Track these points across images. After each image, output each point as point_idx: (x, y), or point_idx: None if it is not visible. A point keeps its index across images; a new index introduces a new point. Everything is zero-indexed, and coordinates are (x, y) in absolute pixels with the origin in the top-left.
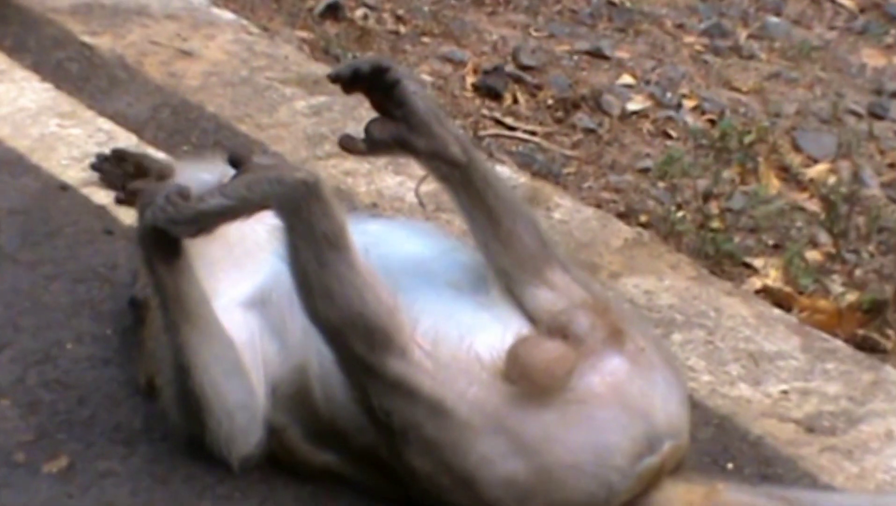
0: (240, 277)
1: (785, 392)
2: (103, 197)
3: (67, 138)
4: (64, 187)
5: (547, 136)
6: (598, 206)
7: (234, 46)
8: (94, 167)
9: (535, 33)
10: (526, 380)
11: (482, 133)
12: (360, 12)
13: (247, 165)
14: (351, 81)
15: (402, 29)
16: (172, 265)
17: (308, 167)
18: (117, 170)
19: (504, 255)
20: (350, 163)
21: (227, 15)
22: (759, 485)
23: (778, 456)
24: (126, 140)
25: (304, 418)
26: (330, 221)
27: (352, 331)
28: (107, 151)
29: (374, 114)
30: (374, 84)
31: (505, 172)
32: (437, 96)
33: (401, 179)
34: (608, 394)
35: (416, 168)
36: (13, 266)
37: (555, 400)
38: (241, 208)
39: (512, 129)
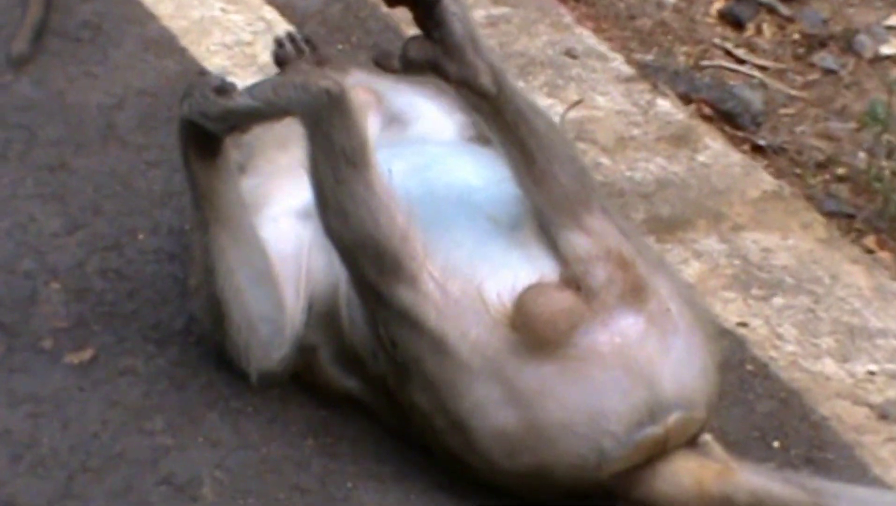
0: (300, 186)
1: (872, 373)
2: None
3: (225, 23)
4: (203, 73)
5: (778, 73)
6: (799, 151)
7: None
8: (278, 42)
9: None
10: (528, 329)
11: (705, 63)
12: None
13: (288, 66)
14: None
15: None
16: (208, 162)
17: None
18: (299, 58)
19: (538, 193)
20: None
21: None
22: (795, 469)
23: (835, 441)
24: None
25: (332, 340)
26: (350, 136)
27: (362, 253)
28: (276, 36)
29: None
30: (420, 2)
31: (665, 105)
32: (674, 18)
33: (550, 102)
34: (613, 354)
35: (573, 93)
36: (120, 147)
37: (556, 354)
38: (267, 111)
39: (741, 61)
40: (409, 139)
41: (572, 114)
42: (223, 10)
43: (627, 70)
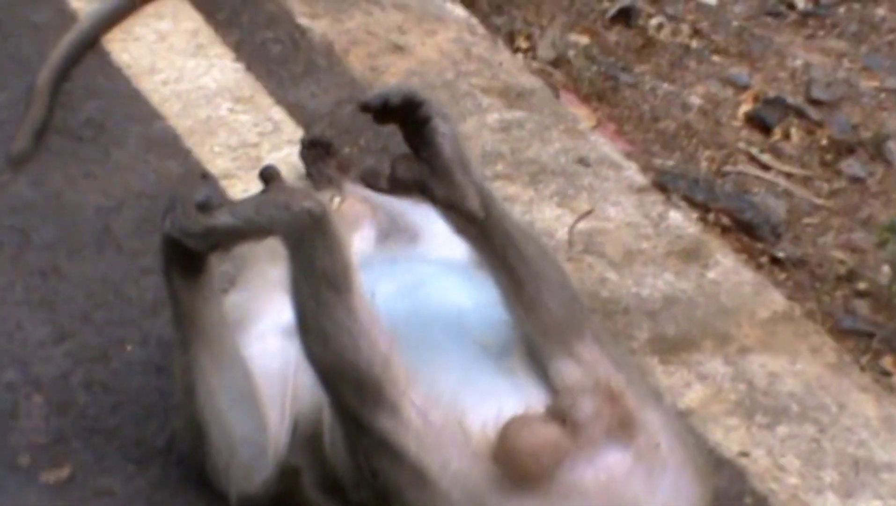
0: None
1: None
2: (239, 192)
3: (232, 124)
4: (205, 176)
5: (804, 180)
6: (820, 264)
7: (451, 46)
8: (304, 144)
9: (847, 63)
10: (511, 462)
11: (728, 168)
12: (655, 21)
13: (272, 184)
14: (382, 112)
15: (694, 44)
16: (191, 280)
17: None
18: (321, 161)
19: (527, 320)
20: (515, 188)
21: (458, 11)
22: None
23: None
24: (291, 134)
25: (315, 463)
26: (332, 259)
27: (343, 379)
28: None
29: None
30: (406, 118)
31: (677, 217)
32: (699, 120)
33: (560, 212)
34: (598, 491)
35: (583, 204)
36: (115, 252)
37: (539, 490)
38: (248, 230)
39: (766, 167)
40: (404, 256)
41: (582, 225)
42: (231, 109)
43: (641, 180)
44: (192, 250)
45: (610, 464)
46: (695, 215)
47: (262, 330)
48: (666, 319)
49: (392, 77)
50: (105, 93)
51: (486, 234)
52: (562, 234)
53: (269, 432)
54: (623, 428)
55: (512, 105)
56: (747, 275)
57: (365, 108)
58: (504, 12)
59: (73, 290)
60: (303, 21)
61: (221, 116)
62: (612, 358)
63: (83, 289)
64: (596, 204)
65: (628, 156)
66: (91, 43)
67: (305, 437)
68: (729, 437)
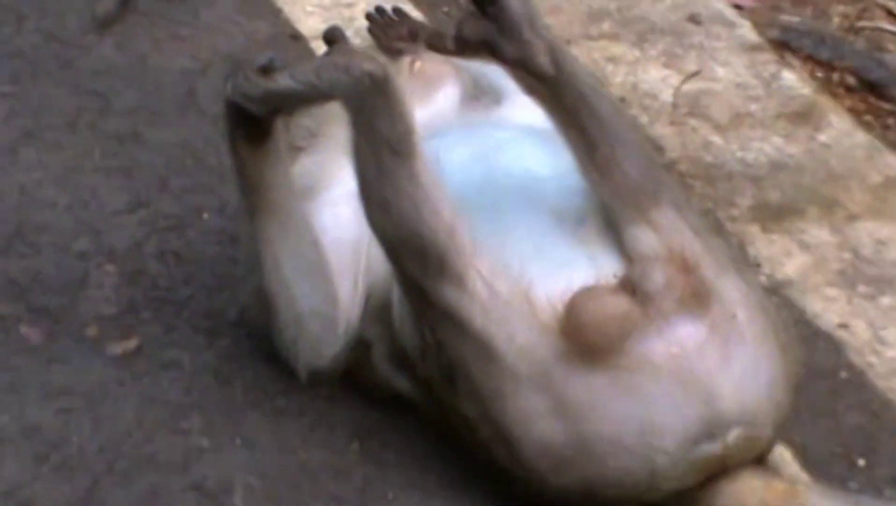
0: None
1: None
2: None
3: None
4: (295, 36)
5: None
6: None
7: None
8: (369, 17)
9: None
10: (578, 335)
11: (861, 25)
12: None
13: (336, 46)
14: None
15: None
16: (256, 146)
17: (570, 46)
18: (390, 29)
19: (602, 184)
20: (621, 48)
21: None
22: (878, 490)
23: None
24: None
25: (386, 336)
26: (393, 124)
27: (405, 248)
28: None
29: None
30: None
31: (790, 78)
32: None
33: (667, 73)
34: (668, 365)
35: (691, 64)
36: (197, 117)
37: (607, 363)
38: (308, 94)
39: None
40: (485, 118)
41: (688, 86)
42: None
43: (755, 38)
44: (255, 115)
45: (682, 336)
46: (819, 74)
47: (335, 197)
48: (771, 185)
49: None
50: None
51: (557, 93)
52: (666, 95)
53: (340, 305)
54: (696, 299)
55: None
56: (861, 138)
57: None
58: None
59: (152, 156)
60: None
61: None
62: (691, 225)
63: (162, 155)
64: (704, 64)
65: (753, 11)
66: None
67: (378, 309)
68: (828, 308)
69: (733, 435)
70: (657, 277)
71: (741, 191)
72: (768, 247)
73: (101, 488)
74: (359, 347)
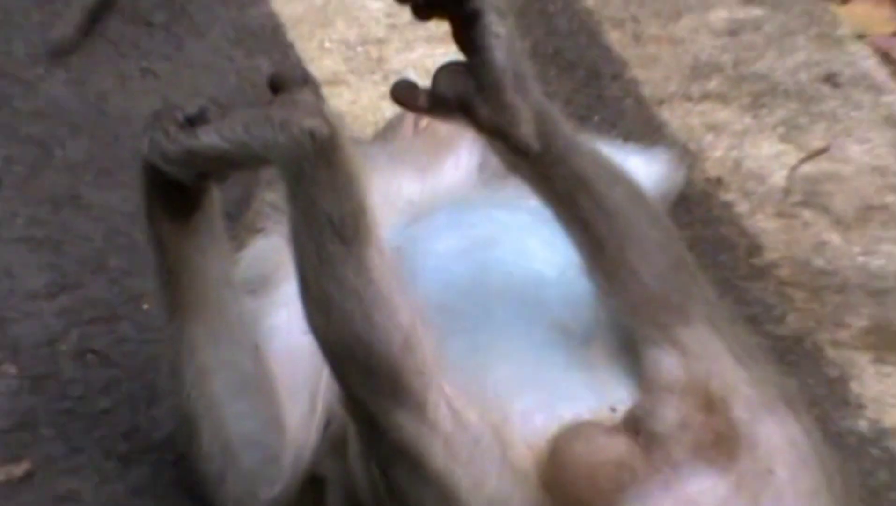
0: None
1: None
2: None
3: (355, 11)
4: (305, 80)
5: None
6: None
7: None
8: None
9: None
10: (561, 485)
11: None
12: None
13: (283, 92)
14: (425, 3)
15: None
16: (180, 222)
17: (663, 108)
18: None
19: (614, 295)
20: (728, 113)
21: None
22: None
23: None
24: (433, 29)
25: (342, 475)
26: (339, 200)
27: (350, 361)
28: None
29: None
30: (454, 12)
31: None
32: None
33: (783, 148)
34: None
35: (816, 139)
36: None
37: None
38: (237, 155)
39: None
40: (490, 197)
41: (808, 167)
42: None
43: None
44: (179, 181)
45: (695, 493)
46: None
47: (293, 293)
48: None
49: None
50: None
51: (546, 173)
52: (778, 178)
53: (288, 432)
54: (720, 446)
55: (749, 0)
56: None
57: None
58: None
59: (91, 226)
60: None
61: (345, 1)
62: (731, 350)
63: (103, 225)
64: (835, 139)
65: None
66: None
67: (339, 438)
68: None
69: None
70: (669, 415)
71: (855, 308)
72: (878, 382)
73: None
74: (311, 486)
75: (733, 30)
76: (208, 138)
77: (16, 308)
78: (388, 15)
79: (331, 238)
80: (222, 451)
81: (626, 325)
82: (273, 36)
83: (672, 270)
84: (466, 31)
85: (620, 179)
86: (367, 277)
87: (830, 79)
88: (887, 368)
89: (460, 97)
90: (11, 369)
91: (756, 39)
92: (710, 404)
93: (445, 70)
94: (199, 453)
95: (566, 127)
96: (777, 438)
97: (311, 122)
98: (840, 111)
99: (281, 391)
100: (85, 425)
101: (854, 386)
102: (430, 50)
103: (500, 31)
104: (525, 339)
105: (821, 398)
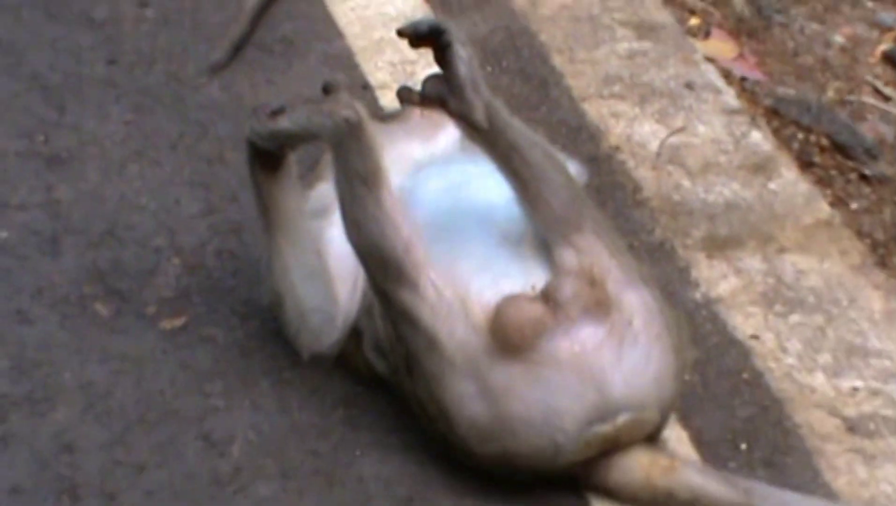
0: None
1: (855, 389)
2: (390, 101)
3: (397, 44)
4: (365, 87)
5: None
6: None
7: None
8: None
9: None
10: (501, 334)
11: (849, 98)
12: None
13: (330, 94)
14: (414, 38)
15: None
16: (270, 175)
17: (584, 103)
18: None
19: (533, 215)
20: (625, 106)
21: None
22: (752, 470)
23: (798, 447)
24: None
25: (372, 328)
26: (364, 161)
27: (372, 259)
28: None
29: None
30: (434, 44)
31: (757, 136)
32: (836, 57)
33: (658, 128)
34: (569, 360)
35: (678, 122)
36: None
37: (522, 357)
38: (302, 133)
39: (887, 98)
40: (467, 156)
41: (673, 139)
42: None
43: (735, 103)
44: (269, 150)
45: (583, 337)
46: (799, 136)
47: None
48: (722, 221)
49: (546, 10)
50: (302, 15)
51: (492, 141)
52: (653, 146)
53: (340, 303)
54: (599, 307)
55: (642, 37)
56: (803, 187)
57: (400, 34)
58: None
59: (230, 174)
60: None
61: (391, 38)
62: (608, 248)
63: (238, 174)
64: (690, 123)
65: (757, 83)
66: None
67: (368, 306)
68: (746, 322)
69: (622, 418)
70: (566, 288)
71: (696, 224)
72: (708, 270)
73: (131, 434)
74: (353, 335)
75: (631, 55)
76: (283, 123)
77: (182, 224)
78: None
79: (358, 184)
80: (298, 316)
81: (543, 233)
82: (347, 59)
83: (570, 200)
84: (441, 55)
85: (538, 144)
86: (381, 207)
87: (689, 85)
88: (713, 262)
89: (439, 95)
90: (176, 261)
91: (645, 61)
92: (593, 282)
93: (430, 79)
94: (282, 317)
95: (505, 113)
96: (635, 301)
97: (346, 112)
98: (694, 105)
99: (335, 278)
100: (220, 295)
101: (693, 272)
102: None
103: (462, 55)
104: (482, 242)
105: (672, 280)
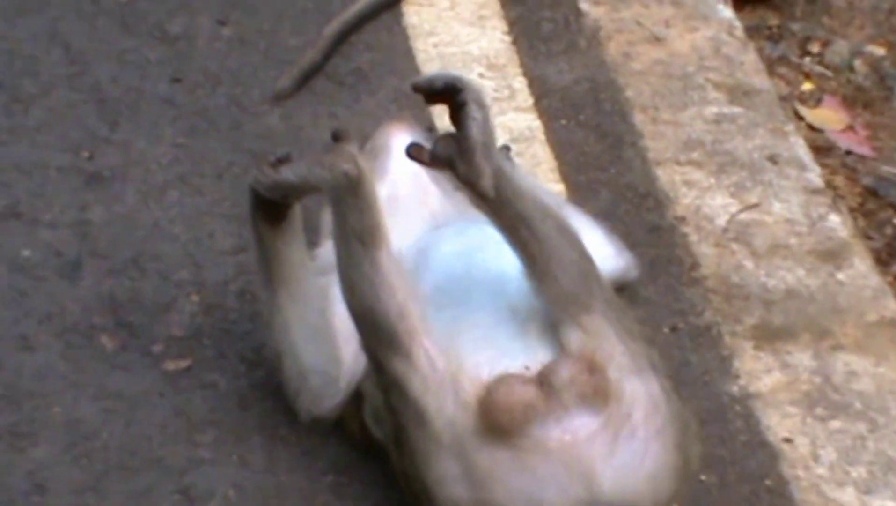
0: None
1: None
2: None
3: None
4: (430, 129)
5: None
6: None
7: (704, 42)
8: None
9: None
10: (489, 415)
11: None
12: None
13: (336, 144)
14: (429, 93)
15: None
16: (273, 225)
17: (658, 168)
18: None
19: (541, 291)
20: (700, 175)
21: (727, 12)
22: None
23: None
24: (521, 102)
25: (374, 392)
26: (362, 217)
27: (365, 323)
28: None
29: None
30: (449, 101)
31: (835, 220)
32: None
33: (730, 201)
34: (558, 450)
35: (754, 196)
36: None
37: (510, 442)
38: (303, 185)
39: None
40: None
41: (744, 215)
42: (481, 74)
43: (818, 182)
44: (273, 200)
45: (575, 426)
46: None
47: None
48: (778, 309)
49: (640, 64)
50: (381, 48)
51: (497, 211)
52: (722, 220)
53: (343, 365)
54: (596, 395)
55: (734, 101)
56: (874, 280)
57: (415, 88)
58: (807, 18)
59: None
60: (583, 6)
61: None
62: (617, 332)
63: None
64: (766, 199)
65: (861, 159)
66: (391, 3)
67: (370, 371)
68: (781, 423)
69: None
70: (563, 374)
71: (750, 311)
72: (752, 362)
73: (108, 479)
74: (354, 397)
75: (718, 120)
76: (286, 174)
77: (210, 259)
78: (495, 90)
79: (355, 242)
80: (298, 376)
81: (551, 311)
82: (417, 98)
83: (581, 277)
84: (455, 114)
85: (551, 215)
86: (377, 269)
87: (773, 158)
88: (760, 353)
89: (449, 157)
90: (195, 298)
91: (731, 127)
92: (593, 367)
93: (442, 138)
94: (282, 376)
95: (514, 181)
96: (639, 391)
97: (346, 166)
98: (774, 180)
99: (339, 338)
100: (231, 339)
101: (735, 363)
102: (515, 115)
103: (476, 116)
104: (488, 314)
105: (711, 369)
